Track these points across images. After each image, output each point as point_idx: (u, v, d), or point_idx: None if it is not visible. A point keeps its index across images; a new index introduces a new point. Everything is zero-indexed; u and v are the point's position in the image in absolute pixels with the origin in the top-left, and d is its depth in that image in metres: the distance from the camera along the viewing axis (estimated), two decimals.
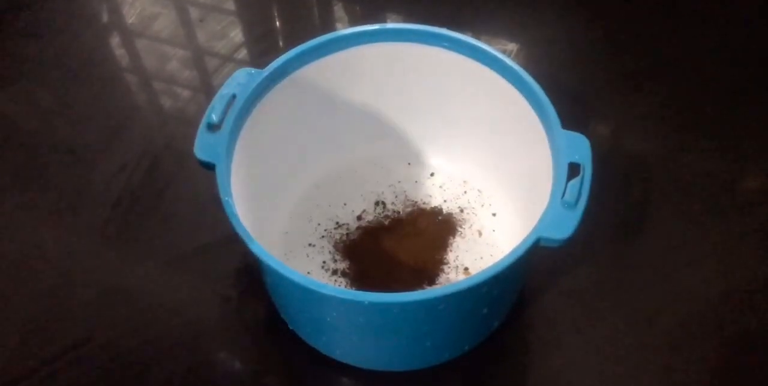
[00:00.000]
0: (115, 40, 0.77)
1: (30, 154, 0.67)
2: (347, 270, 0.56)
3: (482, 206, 0.60)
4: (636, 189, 0.64)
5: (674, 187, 0.63)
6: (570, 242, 0.43)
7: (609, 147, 0.66)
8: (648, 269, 0.59)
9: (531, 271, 0.56)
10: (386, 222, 0.59)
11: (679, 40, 0.74)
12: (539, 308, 0.57)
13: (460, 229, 0.59)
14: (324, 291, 0.41)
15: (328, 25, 0.79)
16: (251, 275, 0.57)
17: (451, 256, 0.57)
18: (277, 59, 0.51)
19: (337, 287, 0.44)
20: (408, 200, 0.60)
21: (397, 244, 0.57)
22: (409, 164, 0.63)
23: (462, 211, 0.60)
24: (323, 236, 0.59)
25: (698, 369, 0.54)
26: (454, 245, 0.58)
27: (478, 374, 0.54)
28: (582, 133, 0.47)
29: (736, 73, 0.71)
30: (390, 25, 0.53)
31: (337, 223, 0.59)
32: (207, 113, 0.48)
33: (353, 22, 0.79)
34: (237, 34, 0.77)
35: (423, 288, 0.55)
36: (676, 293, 0.57)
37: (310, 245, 0.58)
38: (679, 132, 0.67)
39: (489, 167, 0.60)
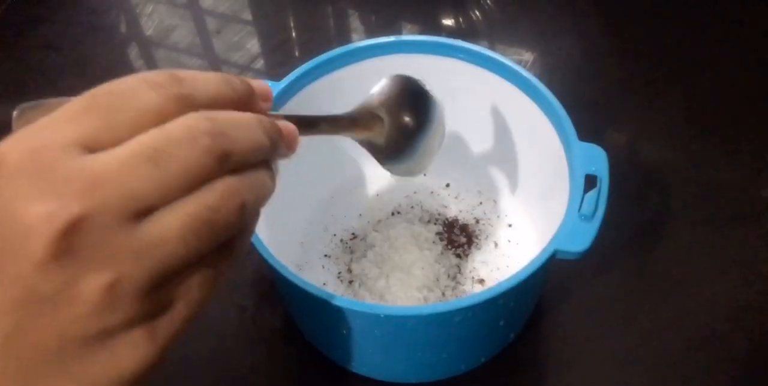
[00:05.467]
0: (133, 51, 0.78)
1: None
2: (363, 281, 0.56)
3: (498, 217, 0.60)
4: (654, 199, 0.63)
5: (692, 196, 0.63)
6: (587, 253, 0.43)
7: (626, 156, 0.66)
8: (666, 280, 0.58)
9: (547, 283, 0.55)
10: (402, 233, 0.58)
11: (696, 49, 0.74)
12: (556, 320, 0.56)
13: (475, 240, 0.58)
14: (338, 302, 0.41)
15: (343, 36, 0.80)
16: (267, 286, 0.57)
17: (466, 267, 0.57)
18: (293, 72, 0.51)
19: (352, 300, 0.44)
20: (424, 210, 0.60)
21: (412, 255, 0.57)
22: (424, 174, 0.62)
23: (478, 222, 0.60)
24: (339, 247, 0.59)
25: (719, 381, 0.53)
26: (470, 256, 0.58)
27: None
28: (599, 142, 0.47)
29: (753, 80, 0.71)
30: (405, 37, 0.53)
31: (353, 234, 0.59)
32: None
33: (369, 32, 0.79)
34: (254, 45, 0.77)
35: (438, 300, 0.55)
36: (696, 304, 0.57)
37: (326, 256, 0.58)
38: (697, 141, 0.67)
39: (505, 178, 0.60)
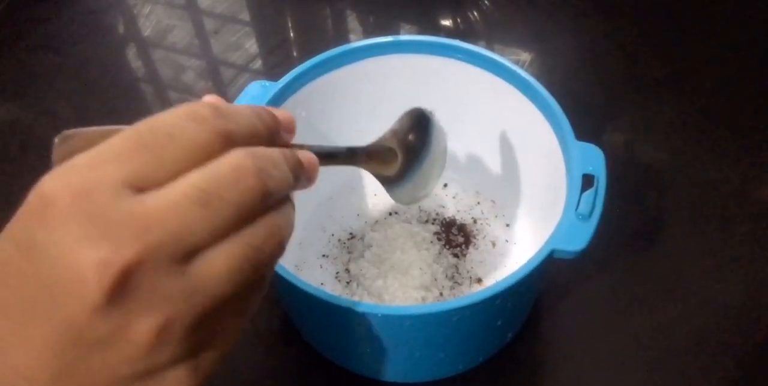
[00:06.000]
0: (131, 52, 0.78)
1: (46, 163, 0.68)
2: (361, 281, 0.56)
3: (496, 216, 0.60)
4: (651, 199, 0.63)
5: (690, 196, 0.63)
6: (584, 253, 0.43)
7: (623, 156, 0.66)
8: (664, 279, 0.58)
9: (545, 282, 0.56)
10: (400, 233, 0.59)
11: (693, 50, 0.74)
12: (553, 319, 0.56)
13: (473, 240, 0.58)
14: (336, 302, 0.41)
15: (341, 37, 0.80)
16: None
17: (464, 267, 0.57)
18: (291, 72, 0.51)
19: (350, 299, 0.44)
20: (421, 210, 0.60)
21: (410, 255, 0.57)
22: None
23: (475, 222, 0.60)
24: (337, 247, 0.59)
25: (717, 381, 0.53)
26: (468, 256, 0.58)
27: None
28: (596, 142, 0.47)
29: (751, 80, 0.71)
30: (403, 37, 0.54)
31: (351, 234, 0.59)
32: None
33: (366, 33, 0.79)
34: (252, 45, 0.77)
35: (436, 300, 0.55)
36: (693, 303, 0.57)
37: (323, 256, 0.58)
38: (695, 141, 0.67)
39: (502, 177, 0.60)
